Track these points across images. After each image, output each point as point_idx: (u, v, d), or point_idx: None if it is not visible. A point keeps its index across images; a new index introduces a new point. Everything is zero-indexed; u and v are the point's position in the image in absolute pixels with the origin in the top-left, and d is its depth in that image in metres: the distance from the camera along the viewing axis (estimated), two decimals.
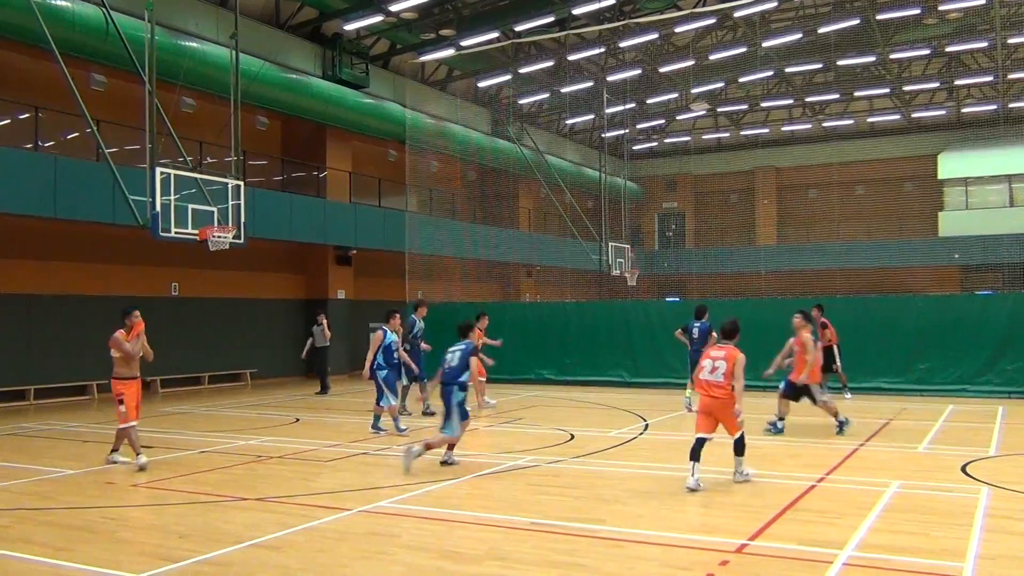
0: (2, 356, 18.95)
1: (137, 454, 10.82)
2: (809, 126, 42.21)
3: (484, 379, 17.21)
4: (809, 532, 7.30)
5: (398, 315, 14.40)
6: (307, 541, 7.20)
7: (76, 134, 19.41)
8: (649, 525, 7.62)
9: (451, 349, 10.90)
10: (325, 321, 21.19)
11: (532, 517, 7.86)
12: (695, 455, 9.17)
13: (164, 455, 11.84)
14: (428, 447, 10.39)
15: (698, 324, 16.06)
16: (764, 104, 40.36)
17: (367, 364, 13.71)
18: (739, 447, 9.61)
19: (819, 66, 34.81)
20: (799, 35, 30.26)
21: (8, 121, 19.54)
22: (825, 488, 9.20)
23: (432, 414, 15.81)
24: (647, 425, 14.43)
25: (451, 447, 10.75)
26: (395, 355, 13.90)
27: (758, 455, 11.43)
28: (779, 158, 44.60)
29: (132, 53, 17.79)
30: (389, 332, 13.88)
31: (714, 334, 15.06)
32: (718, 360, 9.77)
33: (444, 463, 10.60)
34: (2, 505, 8.76)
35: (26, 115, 19.12)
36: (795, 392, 13.33)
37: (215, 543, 7.11)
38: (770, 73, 35.14)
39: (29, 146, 18.67)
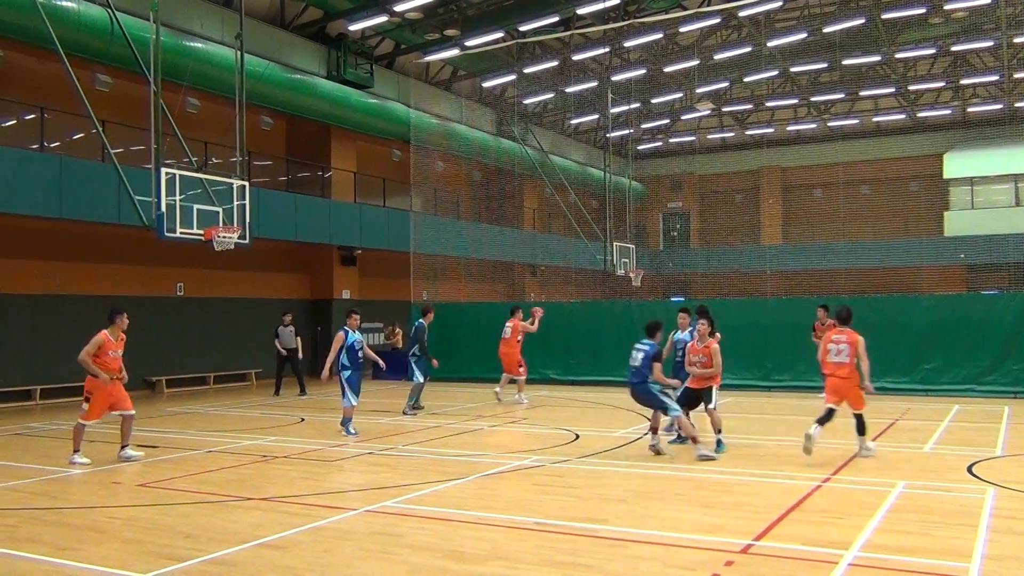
0: (8, 356, 19.02)
1: (75, 451, 10.95)
2: (814, 126, 42.14)
3: (523, 376, 18.10)
4: (814, 532, 7.29)
5: (357, 315, 14.04)
6: (312, 541, 7.21)
7: (81, 135, 19.47)
8: (653, 525, 7.62)
9: (636, 347, 11.65)
10: (290, 321, 21.06)
11: (536, 517, 7.87)
12: (823, 421, 10.59)
13: (170, 455, 11.87)
14: (694, 440, 11.12)
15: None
16: (769, 104, 40.31)
17: (327, 365, 13.66)
18: (860, 425, 10.92)
19: (824, 65, 34.74)
20: (804, 34, 30.21)
21: (14, 122, 19.60)
22: (830, 488, 9.19)
23: (414, 414, 15.94)
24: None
25: (655, 430, 11.54)
26: (359, 355, 13.68)
27: (761, 455, 11.43)
28: (784, 158, 44.53)
29: (137, 54, 17.85)
30: (351, 333, 13.65)
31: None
32: (840, 343, 10.91)
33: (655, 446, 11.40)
34: (9, 504, 8.80)
35: (32, 116, 19.18)
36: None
37: (221, 543, 7.13)
38: (775, 72, 35.11)
39: (35, 146, 18.73)
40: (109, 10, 18.40)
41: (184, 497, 9.14)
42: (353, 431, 13.51)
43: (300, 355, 21.04)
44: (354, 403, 13.51)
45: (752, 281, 39.28)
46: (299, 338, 20.89)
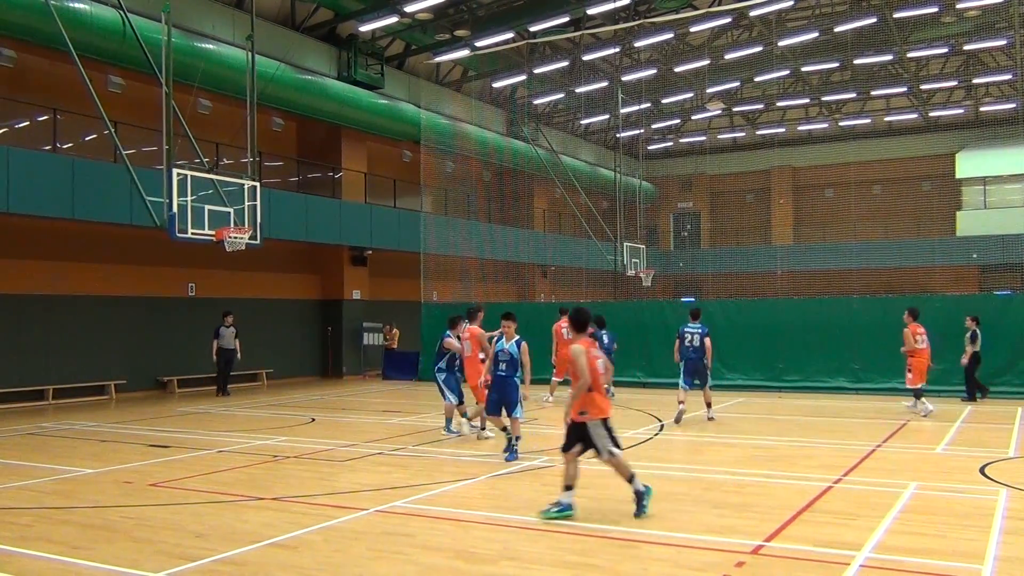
0: (21, 356, 19.13)
1: None
2: (826, 125, 41.99)
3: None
4: (826, 534, 7.27)
5: (465, 321, 13.81)
6: (323, 541, 7.23)
7: (94, 136, 19.56)
8: (663, 526, 7.61)
9: (690, 329, 14.65)
10: (231, 322, 21.08)
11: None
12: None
13: (181, 455, 11.92)
14: None
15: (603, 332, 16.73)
16: (780, 103, 40.20)
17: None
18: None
19: (836, 65, 34.64)
20: (815, 34, 30.12)
21: (27, 123, 19.72)
22: (841, 489, 9.15)
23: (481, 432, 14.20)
24: (662, 426, 14.40)
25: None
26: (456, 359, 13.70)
27: (772, 456, 11.40)
28: (795, 157, 44.40)
29: (149, 55, 17.94)
30: (452, 337, 13.60)
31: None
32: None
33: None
34: (23, 504, 8.85)
35: (45, 117, 19.28)
36: None
37: (232, 542, 7.16)
38: (786, 72, 35.01)
39: (48, 148, 18.83)
40: (121, 12, 18.48)
41: (195, 497, 9.17)
42: (454, 430, 13.53)
43: (239, 356, 21.13)
44: (454, 401, 13.52)
45: (763, 281, 39.21)
46: (238, 340, 21.03)
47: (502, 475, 10.08)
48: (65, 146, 19.48)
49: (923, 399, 15.23)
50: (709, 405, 15.21)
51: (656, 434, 13.49)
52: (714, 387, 20.21)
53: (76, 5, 18.44)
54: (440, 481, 9.77)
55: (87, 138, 19.91)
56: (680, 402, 14.65)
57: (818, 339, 19.65)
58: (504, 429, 11.55)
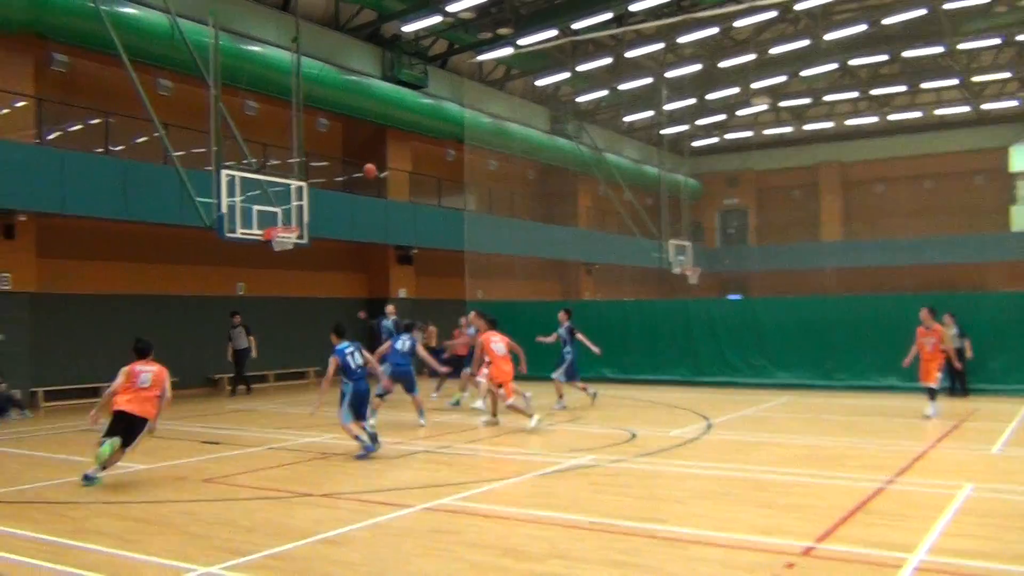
0: (77, 354, 19.56)
1: None
2: (875, 119, 41.26)
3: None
4: (878, 535, 7.14)
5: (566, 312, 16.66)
6: (371, 537, 7.28)
7: (145, 138, 19.93)
8: (711, 526, 7.53)
9: None
10: (239, 321, 21.14)
11: (593, 516, 7.83)
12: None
13: (231, 451, 12.09)
14: None
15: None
16: (827, 98, 39.58)
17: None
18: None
19: (884, 58, 33.99)
20: (863, 26, 29.59)
21: (80, 127, 20.14)
22: (894, 490, 8.98)
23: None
24: (710, 425, 14.27)
25: None
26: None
27: (822, 456, 11.23)
28: (844, 152, 43.69)
29: (197, 58, 18.24)
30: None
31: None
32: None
33: None
34: (79, 498, 9.05)
35: (97, 120, 19.69)
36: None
37: (281, 538, 7.24)
38: (834, 66, 34.44)
39: (100, 150, 19.22)
40: (170, 16, 18.82)
41: (245, 492, 9.30)
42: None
43: (254, 354, 21.18)
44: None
45: (811, 278, 38.70)
46: (251, 337, 21.10)
47: (548, 473, 10.06)
48: (117, 148, 19.86)
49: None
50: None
51: (703, 433, 13.37)
52: (762, 385, 20.10)
53: (126, 10, 18.82)
54: (486, 479, 9.78)
55: (138, 140, 20.29)
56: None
57: (868, 337, 19.28)
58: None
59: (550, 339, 17.15)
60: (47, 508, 8.58)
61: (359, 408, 11.31)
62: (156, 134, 18.09)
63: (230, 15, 21.05)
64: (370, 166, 17.36)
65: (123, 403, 10.03)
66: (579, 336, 16.87)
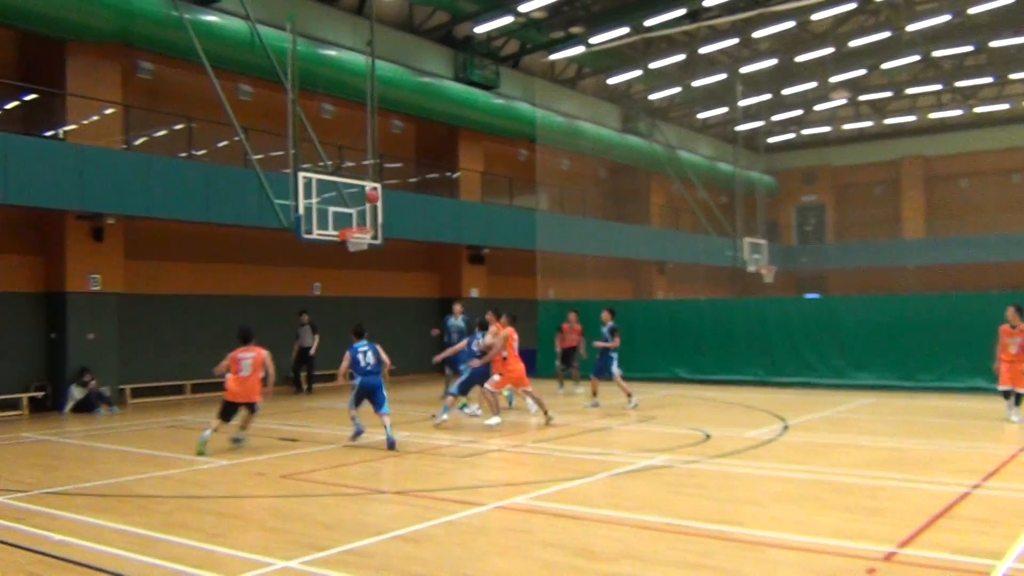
0: (162, 352, 20.22)
1: None
2: (960, 112, 39.90)
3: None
4: (964, 541, 6.91)
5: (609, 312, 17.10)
6: (445, 535, 7.34)
7: (225, 142, 20.47)
8: (789, 528, 7.38)
9: None
10: (308, 320, 21.34)
11: (667, 517, 7.76)
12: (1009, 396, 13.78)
13: (310, 448, 12.34)
14: None
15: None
16: (910, 91, 38.44)
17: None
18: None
19: (970, 48, 32.86)
20: (948, 16, 28.66)
21: (165, 132, 20.80)
22: (981, 495, 8.68)
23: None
24: (787, 426, 14.00)
25: None
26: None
27: (905, 459, 10.93)
28: (927, 147, 42.36)
29: (276, 64, 18.68)
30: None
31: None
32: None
33: None
34: (165, 492, 9.35)
35: (181, 126, 20.30)
36: None
37: (358, 534, 7.36)
38: (916, 58, 33.41)
39: (184, 155, 19.82)
40: (250, 23, 19.31)
41: (323, 489, 9.48)
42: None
43: (313, 352, 21.37)
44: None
45: (893, 277, 37.69)
46: (317, 336, 21.33)
47: (621, 473, 10.01)
48: (199, 153, 20.45)
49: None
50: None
51: (780, 435, 13.14)
52: (840, 386, 19.64)
53: (208, 18, 19.39)
54: (559, 478, 9.78)
55: (219, 145, 20.85)
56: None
57: (953, 337, 18.68)
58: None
59: (612, 344, 16.87)
60: (135, 501, 8.89)
61: (363, 398, 12.46)
62: (236, 138, 18.59)
63: (307, 20, 21.50)
64: (372, 192, 17.35)
65: (231, 392, 12.00)
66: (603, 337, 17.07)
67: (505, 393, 16.98)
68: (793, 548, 6.83)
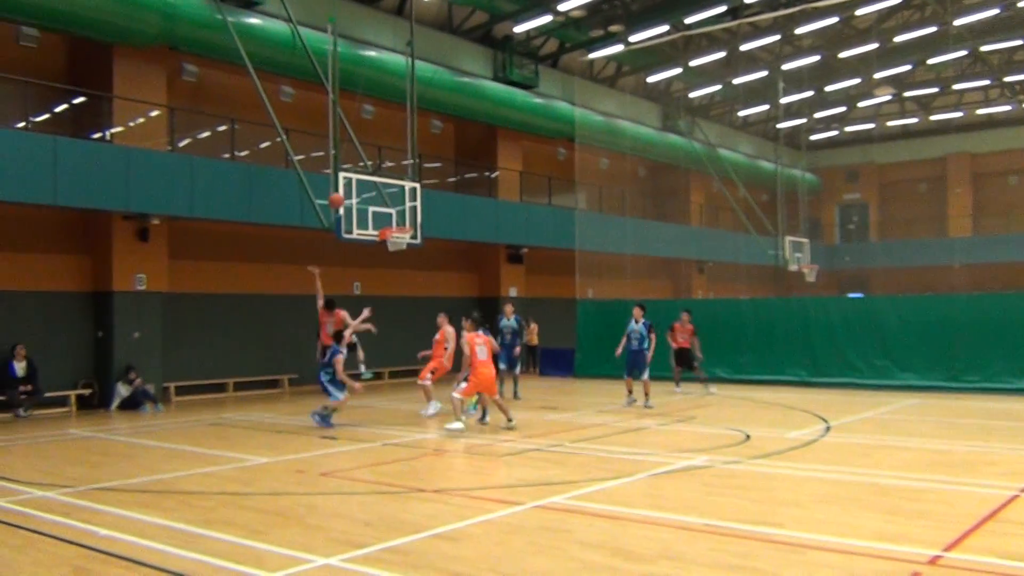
0: (205, 350, 20.52)
1: None
2: (1008, 108, 39.09)
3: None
4: (1011, 545, 6.77)
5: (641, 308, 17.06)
6: (483, 533, 7.36)
7: (267, 143, 20.72)
8: (832, 531, 7.28)
9: None
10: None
11: (706, 518, 7.70)
12: None
13: (349, 447, 12.44)
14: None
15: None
16: (957, 86, 37.72)
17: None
18: None
19: (1019, 42, 32.16)
20: (996, 10, 28.08)
21: (208, 133, 21.11)
22: None
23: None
24: (828, 427, 13.83)
25: None
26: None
27: (950, 461, 10.74)
28: (974, 143, 41.55)
29: (317, 65, 18.86)
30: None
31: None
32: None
33: None
34: (208, 489, 9.49)
35: (224, 127, 20.58)
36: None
37: (397, 531, 7.41)
38: (963, 53, 32.78)
39: (227, 156, 20.09)
40: (291, 25, 19.51)
41: (362, 487, 9.55)
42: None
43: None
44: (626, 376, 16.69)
45: (938, 275, 37.03)
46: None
47: (660, 474, 9.96)
48: (242, 154, 20.71)
49: None
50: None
51: (822, 436, 12.98)
52: (884, 387, 19.35)
53: (250, 20, 19.63)
54: (597, 478, 9.76)
55: (262, 146, 21.12)
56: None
57: (1000, 337, 18.31)
58: None
59: (649, 350, 16.72)
60: (178, 498, 9.03)
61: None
62: (278, 139, 18.80)
63: (348, 22, 21.69)
64: (335, 196, 16.54)
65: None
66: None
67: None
68: (834, 550, 6.74)
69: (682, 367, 19.67)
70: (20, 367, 17.20)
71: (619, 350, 17.16)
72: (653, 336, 16.78)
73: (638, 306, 17.23)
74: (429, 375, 15.73)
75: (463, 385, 13.77)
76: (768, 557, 6.56)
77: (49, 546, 7.14)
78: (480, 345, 13.63)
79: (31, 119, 18.06)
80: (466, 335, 13.97)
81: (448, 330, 16.00)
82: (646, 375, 16.69)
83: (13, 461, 11.71)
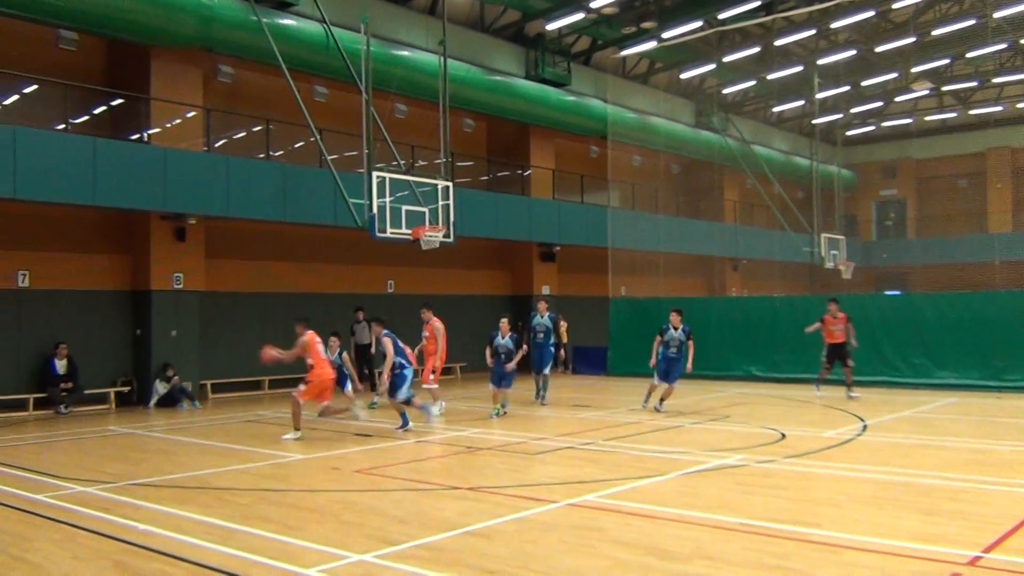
0: (241, 348, 20.72)
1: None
2: None
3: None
4: None
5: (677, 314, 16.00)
6: (516, 531, 7.37)
7: (301, 143, 20.90)
8: (869, 531, 7.20)
9: None
10: (363, 317, 21.33)
11: (741, 517, 7.65)
12: None
13: (382, 444, 12.52)
14: None
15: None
16: (997, 80, 37.04)
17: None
18: None
19: None
20: None
21: (244, 134, 21.33)
22: None
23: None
24: (865, 426, 13.67)
25: None
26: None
27: (990, 461, 10.57)
28: (1015, 137, 40.71)
29: (350, 65, 18.99)
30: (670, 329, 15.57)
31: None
32: None
33: None
34: (245, 485, 9.60)
35: (259, 128, 20.79)
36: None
37: (430, 528, 7.44)
38: (1003, 46, 32.18)
39: (262, 156, 20.29)
40: (325, 26, 19.66)
41: (396, 484, 9.61)
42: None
43: (373, 351, 21.31)
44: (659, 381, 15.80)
45: (979, 272, 36.36)
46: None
47: (694, 472, 9.91)
48: (277, 154, 20.91)
49: None
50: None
51: (858, 435, 12.83)
52: (922, 386, 19.07)
53: (285, 22, 19.79)
54: (631, 476, 9.73)
55: (296, 146, 21.30)
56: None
57: None
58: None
59: (688, 360, 15.59)
60: (215, 494, 9.14)
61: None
62: (312, 139, 18.96)
63: (380, 22, 21.79)
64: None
65: None
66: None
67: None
68: (871, 551, 6.66)
69: (832, 364, 17.85)
70: (61, 365, 17.53)
71: (653, 360, 15.84)
72: (692, 344, 15.53)
73: (675, 311, 15.89)
74: (432, 375, 15.81)
75: (302, 387, 13.26)
76: (804, 557, 6.50)
77: (89, 541, 7.26)
78: (320, 343, 13.34)
79: (71, 121, 18.38)
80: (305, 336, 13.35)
81: (436, 325, 16.13)
82: (676, 383, 15.85)
83: (54, 457, 11.94)
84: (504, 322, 15.73)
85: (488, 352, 15.53)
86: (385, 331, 13.95)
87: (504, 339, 15.45)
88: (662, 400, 15.86)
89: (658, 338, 15.82)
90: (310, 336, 13.18)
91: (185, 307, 19.27)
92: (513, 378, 15.55)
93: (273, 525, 7.64)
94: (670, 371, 15.65)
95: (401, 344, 13.91)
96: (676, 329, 15.64)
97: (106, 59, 19.59)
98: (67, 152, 16.25)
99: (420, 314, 16.45)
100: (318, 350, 13.31)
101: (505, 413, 15.53)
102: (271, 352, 12.89)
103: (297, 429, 12.95)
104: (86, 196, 16.42)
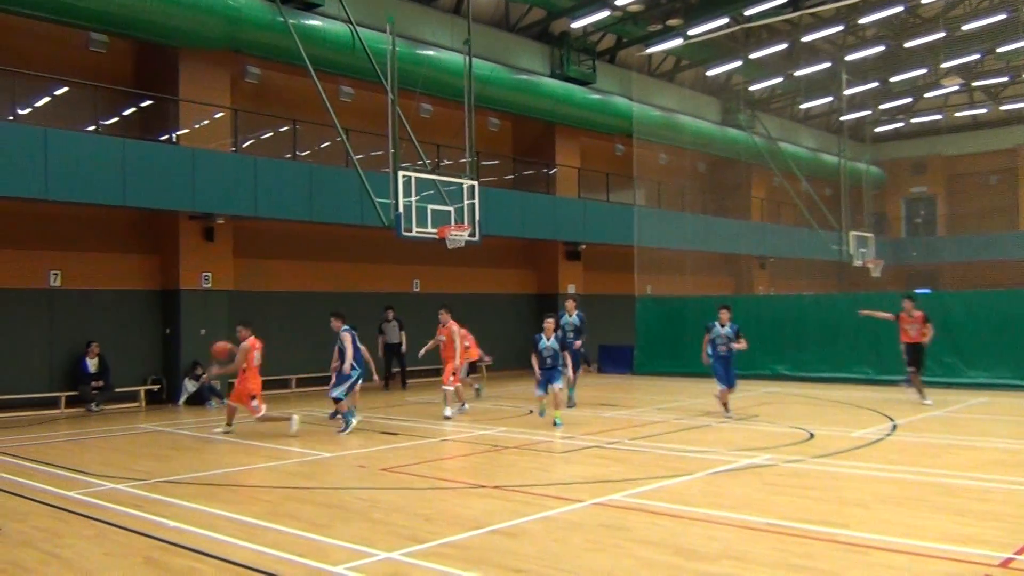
0: (269, 347, 20.76)
1: None
2: None
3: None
4: None
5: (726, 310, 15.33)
6: (542, 530, 7.38)
7: (328, 143, 21.02)
8: (898, 532, 7.13)
9: None
10: (393, 316, 21.41)
11: (769, 517, 7.61)
12: None
13: (409, 442, 12.57)
14: None
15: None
16: None
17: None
18: None
19: None
20: None
21: (271, 134, 21.49)
22: None
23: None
24: (895, 426, 13.53)
25: None
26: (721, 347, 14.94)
27: (1019, 461, 10.43)
28: None
29: (376, 65, 19.08)
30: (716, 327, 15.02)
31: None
32: None
33: None
34: (274, 483, 9.68)
35: (285, 128, 20.94)
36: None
37: (457, 527, 7.46)
38: None
39: (288, 156, 20.43)
40: (351, 26, 19.76)
41: (422, 482, 9.65)
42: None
43: (404, 349, 21.38)
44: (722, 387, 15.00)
45: (1010, 270, 35.88)
46: (403, 332, 21.37)
47: (721, 472, 9.86)
48: (303, 154, 21.04)
49: None
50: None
51: (888, 435, 12.71)
52: (953, 385, 18.84)
53: (311, 22, 19.92)
54: (657, 476, 9.70)
55: (322, 146, 21.43)
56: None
57: None
58: None
59: (740, 345, 14.90)
60: (243, 491, 9.23)
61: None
62: (338, 139, 19.06)
63: (406, 21, 21.88)
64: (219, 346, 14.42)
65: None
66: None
67: (476, 387, 18.45)
68: (900, 552, 6.60)
69: (918, 365, 16.53)
70: (92, 363, 17.77)
71: (704, 357, 15.16)
72: (743, 341, 14.89)
73: (724, 308, 15.25)
74: (451, 377, 15.57)
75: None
76: (832, 558, 6.46)
77: (120, 537, 7.36)
78: (257, 351, 13.68)
79: (101, 123, 18.63)
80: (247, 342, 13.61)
81: (453, 328, 15.98)
82: (736, 384, 15.28)
83: (85, 454, 12.11)
84: (550, 322, 14.54)
85: (533, 359, 14.27)
86: (345, 327, 14.25)
87: (549, 341, 14.19)
88: (727, 406, 15.11)
89: (706, 336, 15.19)
90: (251, 342, 13.60)
91: (214, 306, 19.45)
92: (560, 374, 14.27)
93: (301, 523, 7.70)
94: (728, 373, 15.01)
95: (359, 344, 14.34)
96: (724, 326, 15.04)
97: (135, 61, 19.82)
98: (97, 153, 16.46)
99: (438, 315, 16.36)
100: (254, 357, 13.65)
101: (547, 415, 14.51)
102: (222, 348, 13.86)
103: (229, 424, 13.80)
104: (116, 196, 16.62)
